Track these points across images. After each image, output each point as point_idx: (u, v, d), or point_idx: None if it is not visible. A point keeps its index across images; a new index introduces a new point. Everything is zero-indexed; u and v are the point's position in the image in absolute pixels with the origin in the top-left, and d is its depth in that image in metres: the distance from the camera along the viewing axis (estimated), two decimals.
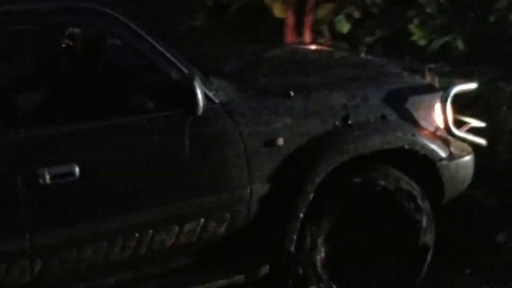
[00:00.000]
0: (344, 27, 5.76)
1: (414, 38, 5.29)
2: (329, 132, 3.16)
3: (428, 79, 3.64)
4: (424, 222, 3.30)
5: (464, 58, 5.26)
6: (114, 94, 3.10)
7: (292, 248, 3.14)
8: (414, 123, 3.32)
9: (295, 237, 3.12)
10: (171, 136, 2.95)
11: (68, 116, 2.91)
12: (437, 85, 3.64)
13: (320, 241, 3.18)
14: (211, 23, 6.86)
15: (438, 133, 3.39)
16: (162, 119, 2.95)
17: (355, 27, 5.77)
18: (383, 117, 3.28)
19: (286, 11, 5.99)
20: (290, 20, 5.86)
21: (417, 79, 3.61)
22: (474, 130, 3.61)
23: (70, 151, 2.76)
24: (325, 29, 6.01)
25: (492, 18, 5.22)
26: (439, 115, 3.41)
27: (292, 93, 3.15)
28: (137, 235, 2.88)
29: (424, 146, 3.29)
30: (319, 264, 3.20)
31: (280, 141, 3.11)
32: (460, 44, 5.15)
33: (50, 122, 2.82)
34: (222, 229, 3.08)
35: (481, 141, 3.60)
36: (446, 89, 3.46)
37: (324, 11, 5.99)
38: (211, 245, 3.13)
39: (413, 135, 3.28)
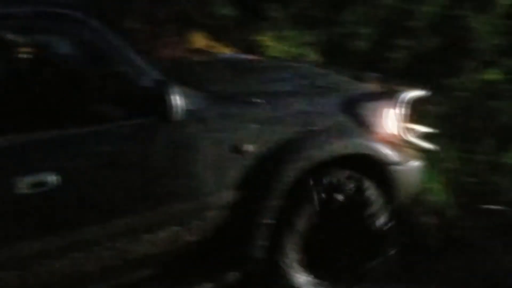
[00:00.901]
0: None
1: (267, 50, 5.44)
2: (294, 139, 3.24)
3: (376, 87, 3.79)
4: (383, 221, 3.54)
5: None
6: (88, 102, 3.07)
7: (261, 254, 3.21)
8: (369, 129, 3.45)
9: (264, 243, 3.19)
10: (143, 143, 2.97)
11: (41, 124, 2.90)
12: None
13: (290, 245, 3.28)
14: None
15: (391, 138, 3.54)
16: (134, 126, 2.95)
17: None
18: (342, 123, 3.42)
19: None
20: None
21: (370, 87, 3.75)
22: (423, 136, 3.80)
23: (43, 160, 2.76)
24: None
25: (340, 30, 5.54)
26: (392, 121, 3.56)
27: (259, 101, 3.23)
28: (109, 245, 2.89)
29: (378, 151, 3.45)
30: (289, 268, 3.29)
31: (248, 147, 3.16)
32: (313, 56, 5.35)
33: (21, 130, 2.79)
34: (193, 237, 3.10)
35: (430, 146, 3.80)
36: (398, 96, 3.61)
37: None
38: (182, 253, 3.16)
39: (368, 140, 3.44)
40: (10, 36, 3.00)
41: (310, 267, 3.40)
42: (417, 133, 3.72)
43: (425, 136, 3.80)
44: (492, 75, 5.13)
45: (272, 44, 5.78)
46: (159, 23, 5.95)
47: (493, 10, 5.44)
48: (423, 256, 4.15)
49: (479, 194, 4.61)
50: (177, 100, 2.84)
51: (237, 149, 3.16)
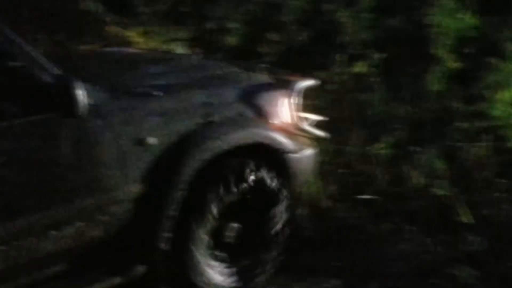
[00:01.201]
0: None
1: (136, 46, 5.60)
2: (195, 131, 3.31)
3: (269, 77, 3.91)
4: (283, 207, 3.65)
5: None
6: None
7: (166, 246, 3.26)
8: (266, 118, 3.57)
9: (169, 235, 3.25)
10: (45, 140, 2.94)
11: None
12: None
13: (196, 236, 3.35)
14: None
15: (287, 127, 3.64)
16: (36, 123, 2.90)
17: None
18: (240, 114, 3.51)
19: None
20: None
21: (264, 78, 3.86)
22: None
23: None
24: None
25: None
26: (288, 110, 3.66)
27: (161, 94, 3.26)
28: (15, 243, 2.85)
29: (275, 140, 3.56)
30: (195, 258, 3.36)
31: (151, 140, 3.18)
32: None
33: None
34: (100, 232, 3.11)
35: (323, 134, 3.93)
36: (291, 86, 3.71)
37: None
38: (90, 249, 3.17)
39: (266, 130, 3.56)
40: None
41: (216, 256, 3.50)
42: (310, 121, 3.83)
43: (317, 125, 3.92)
44: (360, 68, 5.24)
45: (141, 40, 5.65)
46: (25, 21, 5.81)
47: (359, 4, 5.70)
48: (308, 247, 4.25)
49: (352, 184, 4.76)
50: (81, 95, 2.80)
51: (140, 142, 3.16)
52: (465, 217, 4.42)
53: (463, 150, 5.14)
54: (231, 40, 5.50)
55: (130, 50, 5.00)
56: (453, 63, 5.38)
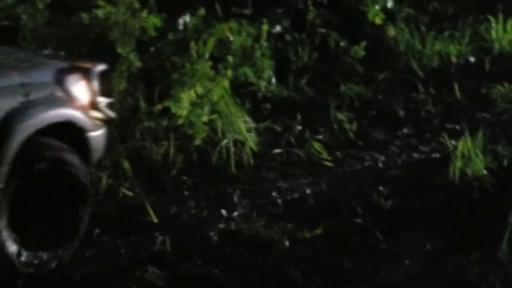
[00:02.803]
0: None
1: None
2: (14, 109, 3.76)
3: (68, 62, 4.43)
4: (83, 180, 4.10)
5: None
6: None
7: None
8: (72, 98, 4.12)
9: None
10: None
11: None
12: None
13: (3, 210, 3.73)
14: None
15: (86, 108, 4.18)
16: None
17: None
18: (51, 96, 4.01)
19: None
20: None
21: (63, 63, 4.36)
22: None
23: None
24: None
25: None
26: (86, 92, 4.21)
27: None
28: None
29: (78, 120, 4.07)
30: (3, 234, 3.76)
31: None
32: None
33: None
34: None
35: (114, 114, 4.52)
36: (89, 70, 4.25)
37: None
38: None
39: (73, 109, 4.09)
40: None
41: (18, 232, 3.88)
42: (103, 103, 4.33)
43: (108, 106, 4.40)
44: None
45: None
46: None
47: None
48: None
49: None
50: None
51: None
52: (153, 217, 4.63)
53: (149, 149, 5.45)
54: None
55: None
56: (137, 62, 5.67)
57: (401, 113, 7.19)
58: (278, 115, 6.57)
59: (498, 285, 3.91)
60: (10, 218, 3.80)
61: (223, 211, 4.91)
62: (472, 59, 8.84)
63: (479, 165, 5.49)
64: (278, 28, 7.78)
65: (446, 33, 8.97)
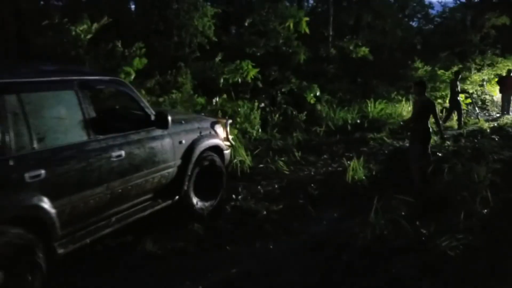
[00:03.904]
0: None
1: None
2: (196, 138, 4.45)
3: (216, 119, 5.23)
4: (222, 169, 4.75)
5: None
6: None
7: (185, 188, 4.32)
8: (218, 135, 4.79)
9: (187, 183, 4.26)
10: (150, 138, 3.84)
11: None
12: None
13: (191, 185, 4.32)
14: None
15: (223, 140, 4.90)
16: (148, 131, 3.84)
17: None
18: (210, 133, 4.70)
19: None
20: None
21: (214, 119, 5.05)
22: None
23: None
24: None
25: None
26: (223, 132, 4.96)
27: (184, 122, 4.43)
28: (140, 181, 3.73)
29: (221, 144, 4.82)
30: (191, 195, 4.32)
31: (183, 141, 4.19)
32: None
33: None
34: (165, 179, 4.04)
35: (233, 143, 5.39)
36: (224, 122, 5.00)
37: None
38: (159, 188, 4.01)
39: (218, 140, 4.74)
40: None
41: (196, 192, 4.41)
42: (230, 137, 5.15)
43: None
44: None
45: None
46: None
47: None
48: None
49: None
50: (170, 120, 3.89)
51: (180, 142, 4.22)
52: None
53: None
54: None
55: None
56: None
57: (324, 148, 7.60)
58: (261, 148, 6.92)
59: (369, 235, 3.99)
60: (194, 187, 4.43)
61: (233, 196, 5.10)
62: (358, 121, 9.55)
63: (361, 174, 5.84)
64: (262, 104, 8.36)
65: (345, 108, 9.84)
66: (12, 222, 2.75)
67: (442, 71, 11.88)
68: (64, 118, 3.20)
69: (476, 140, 8.01)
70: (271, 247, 3.93)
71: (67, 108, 3.23)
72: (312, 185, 5.54)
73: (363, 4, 12.89)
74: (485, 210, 4.61)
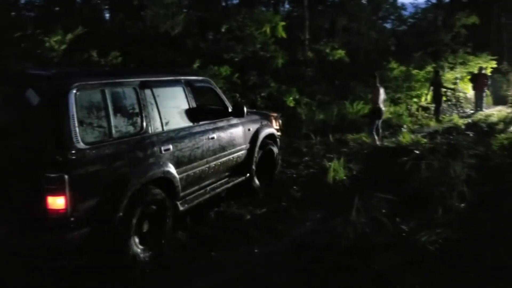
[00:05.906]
0: None
1: None
2: (259, 127, 5.35)
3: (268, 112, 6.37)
4: (276, 153, 5.68)
5: None
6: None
7: (253, 167, 5.17)
8: (272, 125, 5.66)
9: (252, 165, 5.19)
10: (230, 126, 4.76)
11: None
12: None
13: (254, 165, 5.31)
14: None
15: (276, 129, 5.76)
16: (227, 120, 4.77)
17: None
18: (267, 124, 5.67)
19: None
20: None
21: (267, 113, 6.12)
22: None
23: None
24: None
25: None
26: (275, 123, 5.84)
27: (248, 113, 5.08)
28: (223, 161, 4.66)
29: (275, 133, 5.77)
30: (254, 175, 5.26)
31: (251, 128, 5.05)
32: None
33: None
34: (239, 159, 4.97)
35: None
36: (276, 115, 5.89)
37: None
38: (234, 167, 4.91)
39: (273, 129, 5.63)
40: None
41: (258, 176, 5.34)
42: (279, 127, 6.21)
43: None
44: None
45: None
46: None
47: None
48: None
49: None
50: (245, 110, 4.88)
51: (249, 129, 5.09)
52: None
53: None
54: None
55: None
56: None
57: (304, 149, 7.78)
58: None
59: (352, 234, 4.01)
60: (256, 168, 5.26)
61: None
62: (337, 122, 9.74)
63: (341, 174, 5.99)
64: None
65: (325, 110, 9.88)
66: (154, 183, 3.59)
67: (416, 70, 12.26)
68: (178, 107, 4.25)
69: (451, 137, 8.24)
70: (256, 251, 3.93)
71: (179, 100, 4.27)
72: (295, 187, 5.58)
73: (338, 7, 13.15)
74: (462, 205, 4.71)
